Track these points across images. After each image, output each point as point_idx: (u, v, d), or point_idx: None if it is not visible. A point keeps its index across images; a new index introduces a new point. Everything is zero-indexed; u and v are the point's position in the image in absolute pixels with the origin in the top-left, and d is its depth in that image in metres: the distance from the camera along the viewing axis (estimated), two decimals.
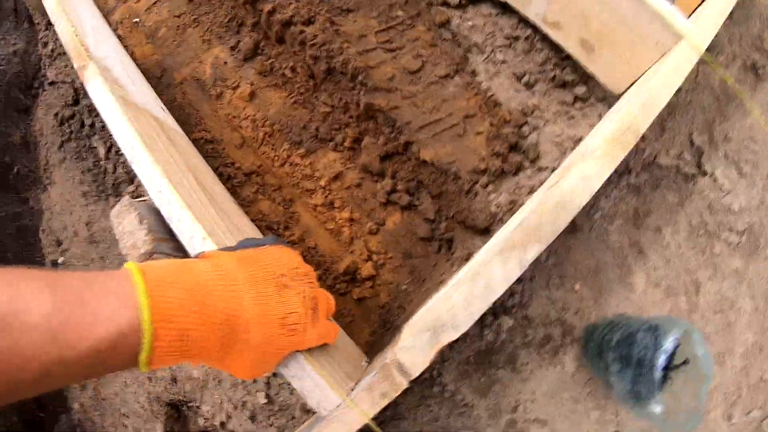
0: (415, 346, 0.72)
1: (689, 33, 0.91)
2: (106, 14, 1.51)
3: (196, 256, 0.69)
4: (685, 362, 0.89)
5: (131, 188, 1.23)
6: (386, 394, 0.72)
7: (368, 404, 0.72)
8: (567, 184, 0.78)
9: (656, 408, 0.85)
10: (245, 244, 0.72)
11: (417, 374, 0.73)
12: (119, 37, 1.45)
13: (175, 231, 0.85)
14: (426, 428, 1.12)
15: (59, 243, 1.30)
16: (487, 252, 0.78)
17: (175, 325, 0.54)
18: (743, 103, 1.24)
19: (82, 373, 0.51)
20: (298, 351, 0.70)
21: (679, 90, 1.17)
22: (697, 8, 1.03)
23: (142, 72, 1.34)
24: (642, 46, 0.97)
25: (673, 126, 1.20)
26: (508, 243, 0.75)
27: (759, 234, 1.15)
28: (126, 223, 0.91)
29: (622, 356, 0.90)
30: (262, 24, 1.25)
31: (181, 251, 0.88)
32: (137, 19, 1.46)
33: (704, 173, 1.17)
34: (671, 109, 1.20)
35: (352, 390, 0.76)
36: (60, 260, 1.29)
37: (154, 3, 1.46)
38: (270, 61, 1.25)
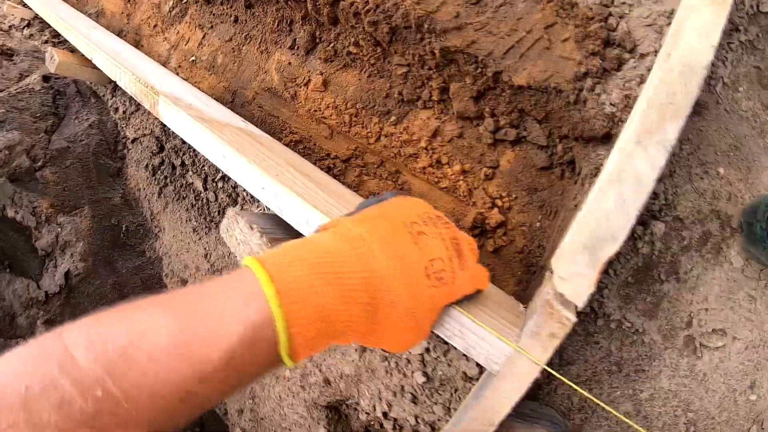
0: (573, 273, 0.66)
1: None
2: (164, 64, 1.55)
3: (315, 231, 0.63)
4: None
5: (237, 209, 1.24)
6: (555, 334, 0.66)
7: (539, 349, 0.67)
8: (685, 45, 0.71)
9: None
10: (364, 204, 0.66)
11: (584, 303, 0.67)
12: (183, 80, 1.49)
13: (291, 222, 0.82)
14: (599, 367, 1.04)
15: (184, 282, 1.32)
16: (622, 149, 0.71)
17: (309, 303, 0.49)
18: None
19: (228, 383, 0.47)
20: (452, 306, 0.63)
21: None
22: None
23: (220, 101, 1.36)
24: None
25: None
26: (644, 128, 0.69)
27: None
28: (237, 234, 0.90)
29: None
30: (311, 13, 1.24)
31: None
32: (193, 58, 1.49)
33: None
34: None
35: (519, 338, 0.70)
36: None
37: (204, 37, 1.49)
38: (331, 45, 1.24)
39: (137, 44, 1.68)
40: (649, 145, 0.69)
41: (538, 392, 1.05)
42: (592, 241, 0.68)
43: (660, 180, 1.03)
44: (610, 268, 1.02)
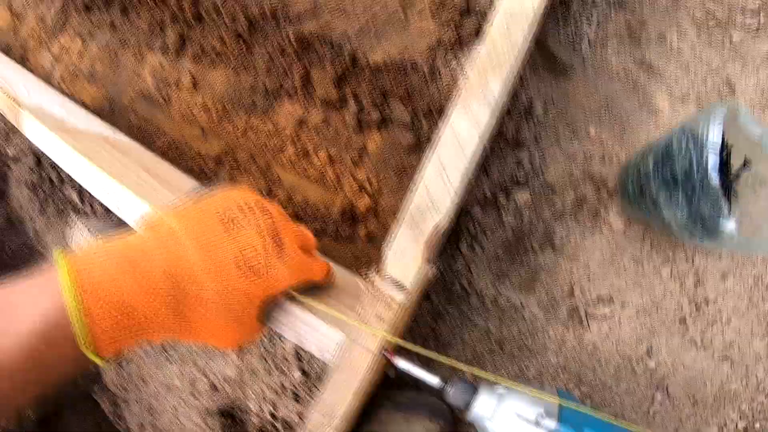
0: (399, 250, 0.64)
1: None
2: (47, 78, 1.50)
3: None
4: (745, 164, 0.75)
5: (77, 216, 1.21)
6: (381, 316, 0.63)
7: (368, 337, 0.63)
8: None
9: (728, 224, 0.66)
10: (188, 195, 0.62)
11: (411, 281, 0.64)
12: (67, 95, 1.44)
13: (127, 220, 0.79)
14: (479, 347, 1.01)
15: None
16: (448, 114, 0.69)
17: (110, 297, 0.46)
18: None
19: (30, 381, 0.44)
20: (281, 295, 0.60)
21: None
22: None
23: (95, 113, 1.32)
24: None
25: None
26: (467, 90, 0.67)
27: None
28: (79, 241, 0.88)
29: (665, 180, 0.74)
30: (177, 12, 1.21)
31: None
32: (73, 66, 1.45)
33: None
34: None
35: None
36: None
37: (83, 45, 1.45)
38: (198, 44, 1.20)
39: (24, 60, 1.64)
40: (470, 104, 0.66)
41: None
42: (414, 216, 0.65)
43: (522, 146, 1.01)
44: (466, 243, 1.00)
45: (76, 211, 1.24)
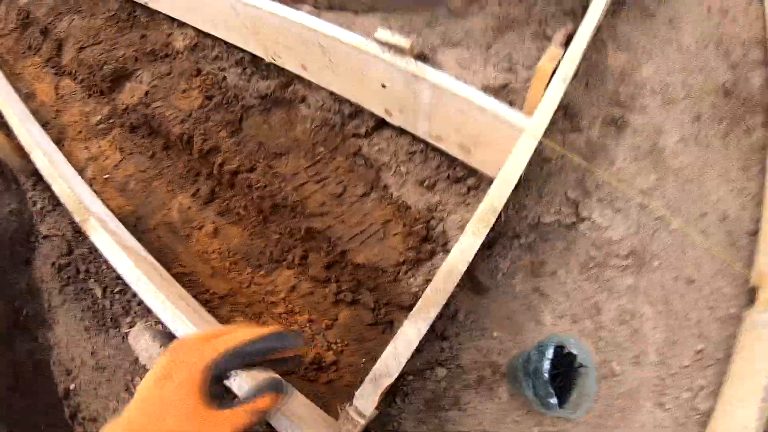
0: (364, 394, 0.99)
1: (530, 126, 1.24)
2: (80, 172, 1.80)
3: None
4: (580, 365, 1.15)
5: (128, 319, 1.50)
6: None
7: None
8: (450, 258, 1.10)
9: (552, 400, 1.08)
10: None
11: (369, 414, 0.98)
12: (94, 192, 1.75)
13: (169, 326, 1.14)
14: None
15: (69, 372, 1.54)
16: (404, 323, 1.09)
17: None
18: (610, 155, 1.56)
19: None
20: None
21: (548, 161, 1.48)
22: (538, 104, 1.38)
23: (119, 221, 1.64)
24: (501, 141, 1.31)
25: (549, 190, 1.51)
26: (416, 310, 1.06)
27: (642, 252, 1.41)
28: (142, 342, 1.20)
29: (526, 373, 1.16)
30: (215, 173, 1.57)
31: None
32: (108, 175, 1.76)
33: (583, 219, 1.46)
34: (546, 177, 1.50)
35: None
36: (72, 386, 1.54)
37: (121, 160, 1.76)
38: (225, 203, 1.56)
39: (59, 141, 1.92)
40: (417, 321, 1.05)
41: None
42: (377, 375, 1.01)
43: (445, 338, 1.39)
44: (401, 397, 1.36)
45: (95, 304, 1.53)
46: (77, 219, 1.36)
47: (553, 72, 1.34)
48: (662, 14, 1.86)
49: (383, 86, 1.43)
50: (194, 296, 1.50)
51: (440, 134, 1.46)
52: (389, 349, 1.03)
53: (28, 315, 1.62)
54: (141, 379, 1.44)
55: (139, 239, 1.60)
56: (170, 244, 1.58)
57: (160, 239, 1.60)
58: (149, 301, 1.19)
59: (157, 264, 1.50)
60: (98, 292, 1.57)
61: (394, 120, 1.52)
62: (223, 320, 1.46)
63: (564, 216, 1.47)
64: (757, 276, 1.32)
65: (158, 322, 1.34)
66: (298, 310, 1.45)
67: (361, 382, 1.42)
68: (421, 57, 1.43)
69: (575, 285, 1.40)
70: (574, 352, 1.13)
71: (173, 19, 2.00)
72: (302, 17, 1.45)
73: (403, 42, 1.34)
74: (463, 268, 1.10)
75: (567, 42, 1.66)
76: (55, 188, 1.46)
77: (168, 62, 1.87)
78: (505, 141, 1.31)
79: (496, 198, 1.17)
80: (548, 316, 1.38)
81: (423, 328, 1.05)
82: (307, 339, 1.43)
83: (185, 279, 1.53)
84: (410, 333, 1.05)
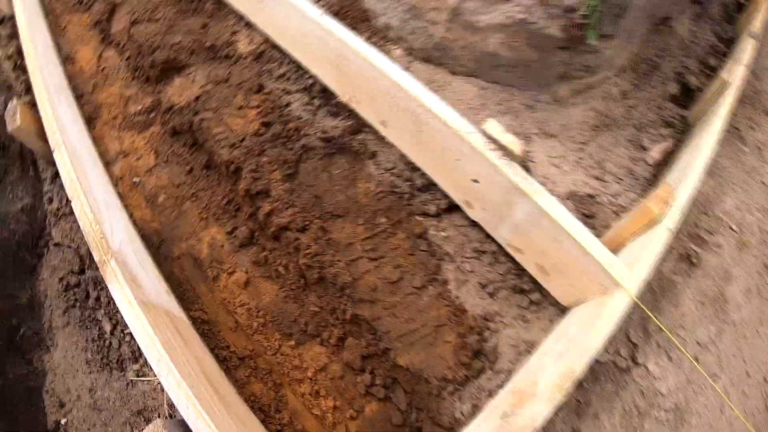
0: None
1: (625, 281, 1.12)
2: (107, 164, 1.62)
3: None
4: None
5: (136, 366, 1.36)
6: None
7: None
8: (517, 421, 1.01)
9: None
10: None
11: None
12: (119, 195, 1.57)
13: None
14: None
15: (62, 404, 1.41)
16: None
17: None
18: (677, 296, 1.46)
19: None
20: None
21: None
22: (632, 237, 1.25)
23: (141, 237, 1.47)
24: (588, 280, 1.20)
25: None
26: None
27: (684, 409, 1.34)
28: None
29: None
30: (260, 218, 1.40)
31: None
32: (137, 180, 1.58)
33: (638, 364, 1.37)
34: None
35: None
36: (63, 421, 1.40)
37: (155, 165, 1.59)
38: (265, 253, 1.40)
39: (91, 121, 1.74)
40: None
41: None
42: None
43: None
44: None
45: (101, 338, 1.38)
46: (95, 257, 1.21)
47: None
48: (751, 140, 1.72)
49: (475, 181, 1.27)
50: (211, 349, 1.36)
51: (522, 248, 1.33)
52: None
53: (24, 335, 1.47)
54: None
55: (159, 264, 1.44)
56: (193, 282, 1.42)
57: (183, 271, 1.44)
58: (172, 394, 1.06)
59: (182, 318, 1.35)
60: (107, 327, 1.42)
61: (474, 214, 1.38)
62: (239, 383, 1.33)
63: (620, 359, 1.38)
64: None
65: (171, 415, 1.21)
66: (323, 393, 1.32)
67: None
68: (524, 164, 1.28)
69: None
70: None
71: (242, 17, 1.79)
72: (402, 78, 1.28)
73: (515, 145, 1.18)
74: None
75: (663, 159, 1.53)
76: (75, 207, 1.29)
77: (227, 66, 1.68)
78: (592, 283, 1.20)
79: (577, 362, 1.06)
80: None
81: None
82: (329, 425, 1.31)
83: (204, 327, 1.38)
84: None
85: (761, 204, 1.66)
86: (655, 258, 1.17)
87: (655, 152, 1.55)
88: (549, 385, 1.04)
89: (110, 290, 1.18)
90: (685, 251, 1.52)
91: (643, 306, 1.18)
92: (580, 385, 1.34)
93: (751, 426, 1.34)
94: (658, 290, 1.46)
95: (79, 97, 1.79)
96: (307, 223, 1.35)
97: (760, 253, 1.57)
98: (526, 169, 1.26)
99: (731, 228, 1.60)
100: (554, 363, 1.11)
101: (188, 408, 1.03)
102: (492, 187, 1.25)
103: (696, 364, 1.39)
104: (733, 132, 1.75)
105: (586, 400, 1.34)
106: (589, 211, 1.44)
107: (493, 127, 1.19)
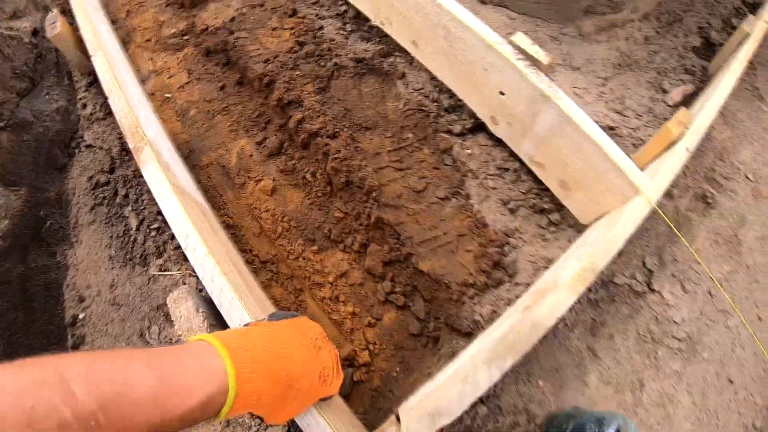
0: (418, 428, 0.91)
1: (646, 189, 1.14)
2: (141, 81, 1.65)
3: (247, 325, 0.87)
4: None
5: (159, 261, 1.37)
6: None
7: None
8: (540, 310, 1.00)
9: None
10: (280, 315, 0.91)
11: None
12: (154, 108, 1.60)
13: (225, 316, 1.01)
14: None
15: (82, 299, 1.42)
16: (473, 358, 0.99)
17: (253, 391, 0.70)
18: (692, 231, 1.49)
19: (180, 426, 0.65)
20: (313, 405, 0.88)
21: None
22: (652, 161, 1.28)
23: (176, 149, 1.49)
24: (609, 193, 1.22)
25: (629, 251, 1.42)
26: (492, 354, 0.96)
27: (697, 341, 1.36)
28: (183, 309, 1.09)
29: None
30: (290, 127, 1.43)
31: None
32: (169, 95, 1.61)
33: (653, 290, 1.39)
34: (630, 237, 1.41)
35: None
36: (81, 315, 1.42)
37: (187, 82, 1.62)
38: (293, 162, 1.43)
39: (125, 43, 1.77)
40: (492, 366, 0.96)
41: None
42: (436, 412, 0.92)
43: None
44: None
45: (126, 234, 1.40)
46: (130, 144, 1.22)
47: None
48: None
49: (501, 93, 1.30)
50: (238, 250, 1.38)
51: (544, 162, 1.34)
52: (456, 388, 0.94)
53: (51, 228, 1.49)
54: (158, 328, 1.33)
55: (193, 175, 1.47)
56: (220, 188, 1.45)
57: (211, 179, 1.46)
58: (197, 266, 1.06)
59: (211, 215, 1.37)
60: (133, 222, 1.44)
61: (498, 131, 1.40)
62: (262, 287, 1.34)
63: (636, 282, 1.40)
64: None
65: (201, 289, 1.21)
66: (343, 298, 1.33)
67: (391, 391, 1.33)
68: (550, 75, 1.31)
69: (628, 354, 1.34)
70: None
71: None
72: None
73: (543, 56, 1.21)
74: (550, 323, 1.00)
75: (683, 102, 1.57)
76: (112, 102, 1.31)
77: None
78: (613, 194, 1.21)
79: (599, 258, 1.07)
80: (594, 379, 1.32)
81: (496, 375, 0.96)
82: (346, 331, 1.32)
83: (229, 231, 1.40)
84: (482, 377, 0.96)
85: None
86: (675, 172, 1.20)
87: (675, 95, 1.58)
88: (571, 278, 1.06)
89: (144, 173, 1.19)
90: (702, 191, 1.54)
91: (661, 213, 1.20)
92: (595, 304, 1.37)
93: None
94: (674, 223, 1.49)
95: (113, 22, 1.82)
96: (337, 131, 1.37)
97: None
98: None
99: (747, 177, 1.63)
100: (576, 262, 1.12)
101: (213, 281, 1.03)
102: (518, 97, 1.27)
103: (720, 287, 1.41)
104: (753, 91, 1.79)
105: (602, 320, 1.35)
106: None
107: (521, 39, 1.22)
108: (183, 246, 1.08)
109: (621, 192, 1.19)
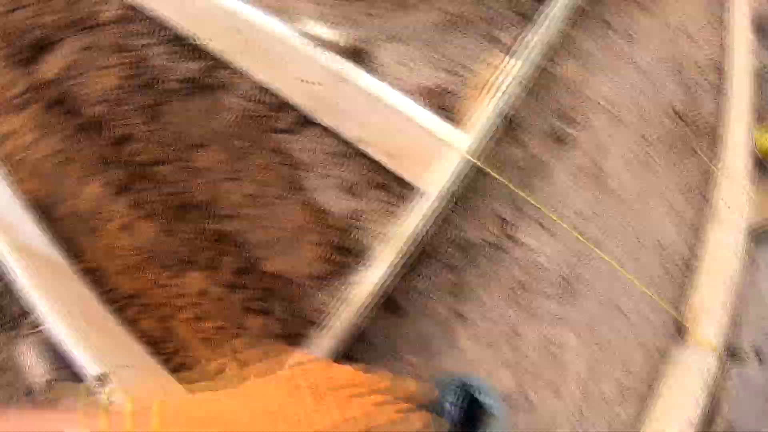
0: None
1: (459, 143, 1.17)
2: None
3: None
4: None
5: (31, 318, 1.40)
6: None
7: None
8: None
9: None
10: None
11: None
12: (8, 172, 1.63)
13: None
14: None
15: None
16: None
17: None
18: (549, 173, 1.49)
19: None
20: None
21: (484, 174, 1.40)
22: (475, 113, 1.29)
23: (30, 209, 1.52)
24: (431, 155, 1.23)
25: (477, 205, 1.43)
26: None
27: (572, 278, 1.37)
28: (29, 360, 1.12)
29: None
30: (127, 162, 1.45)
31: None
32: (22, 155, 1.63)
33: (512, 240, 1.40)
34: (474, 192, 1.41)
35: None
36: None
37: (36, 139, 1.64)
38: (137, 195, 1.45)
39: None
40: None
41: None
42: None
43: (348, 359, 1.32)
44: None
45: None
46: None
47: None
48: (621, 27, 1.76)
49: (304, 82, 1.32)
50: (99, 295, 1.41)
51: (370, 140, 1.37)
52: None
53: None
54: None
55: (45, 230, 1.49)
56: (77, 237, 1.47)
57: (68, 230, 1.49)
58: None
59: (65, 266, 1.40)
60: None
61: (323, 119, 1.42)
62: (127, 322, 1.37)
63: (491, 235, 1.40)
64: (689, 313, 1.25)
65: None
66: (205, 316, 1.36)
67: None
68: (357, 54, 1.32)
69: (497, 309, 1.34)
70: (480, 398, 1.04)
71: None
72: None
73: (336, 37, 1.23)
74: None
75: (515, 45, 1.57)
76: None
77: (92, 34, 1.73)
78: (432, 152, 1.23)
79: (420, 224, 1.11)
80: (466, 341, 1.32)
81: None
82: (217, 346, 1.35)
83: (90, 276, 1.43)
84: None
85: (634, 81, 1.69)
86: (490, 118, 1.22)
87: (508, 41, 1.59)
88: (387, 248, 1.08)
89: None
90: (553, 130, 1.54)
91: (473, 160, 1.21)
92: (451, 267, 1.37)
93: (645, 288, 1.36)
94: (528, 170, 1.49)
95: None
96: (168, 156, 1.40)
97: (635, 126, 1.60)
98: (361, 61, 1.31)
99: (603, 105, 1.63)
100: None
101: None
102: (324, 84, 1.30)
103: (579, 237, 1.41)
104: (601, 23, 1.79)
105: (463, 281, 1.35)
106: (443, 103, 1.47)
107: (311, 25, 1.24)
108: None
109: (435, 151, 1.21)
